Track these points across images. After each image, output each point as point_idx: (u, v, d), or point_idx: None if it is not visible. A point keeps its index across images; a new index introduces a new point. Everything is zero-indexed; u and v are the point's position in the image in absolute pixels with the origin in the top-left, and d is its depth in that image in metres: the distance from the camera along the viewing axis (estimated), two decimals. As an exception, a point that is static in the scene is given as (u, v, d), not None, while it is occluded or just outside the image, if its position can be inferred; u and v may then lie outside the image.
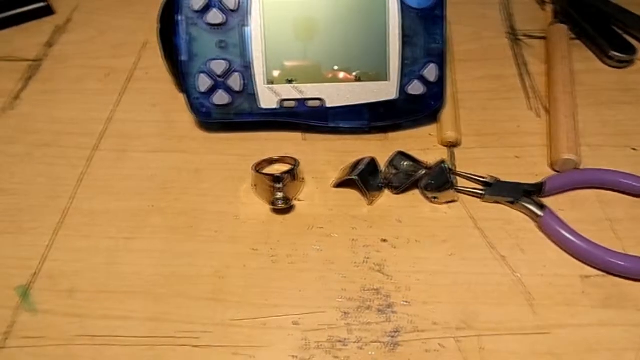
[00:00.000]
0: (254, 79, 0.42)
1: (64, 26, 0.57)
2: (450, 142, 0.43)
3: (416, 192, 0.41)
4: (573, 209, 0.39)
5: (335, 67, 0.42)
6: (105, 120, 0.47)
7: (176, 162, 0.43)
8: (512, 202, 0.39)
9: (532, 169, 0.42)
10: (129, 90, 0.50)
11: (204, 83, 0.42)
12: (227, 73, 0.42)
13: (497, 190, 0.40)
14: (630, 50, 0.50)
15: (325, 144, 0.44)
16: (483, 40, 0.54)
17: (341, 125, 0.44)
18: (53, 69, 0.52)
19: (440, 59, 0.42)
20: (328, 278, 0.36)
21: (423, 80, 0.42)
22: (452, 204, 0.40)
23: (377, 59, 0.42)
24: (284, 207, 0.38)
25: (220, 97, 0.43)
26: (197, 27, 0.41)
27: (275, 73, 0.42)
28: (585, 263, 0.36)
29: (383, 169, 0.41)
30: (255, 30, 0.41)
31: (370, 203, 0.40)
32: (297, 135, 0.45)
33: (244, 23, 0.41)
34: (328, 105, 0.43)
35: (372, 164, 0.40)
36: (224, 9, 0.41)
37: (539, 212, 0.38)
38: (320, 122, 0.44)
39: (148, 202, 0.41)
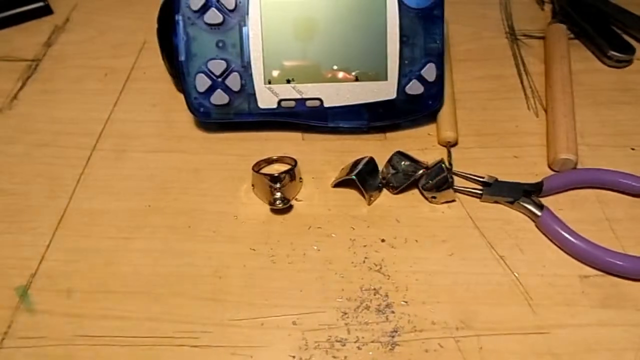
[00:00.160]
0: (253, 78, 0.42)
1: (62, 26, 0.57)
2: (449, 142, 0.43)
3: (415, 192, 0.41)
4: (572, 208, 0.39)
5: (334, 67, 0.42)
6: (105, 120, 0.47)
7: (175, 162, 0.43)
8: (511, 202, 0.39)
9: (531, 169, 0.42)
10: (128, 90, 0.50)
11: (202, 83, 0.42)
12: (226, 73, 0.42)
13: (496, 190, 0.40)
14: (629, 50, 0.50)
15: (324, 143, 0.44)
16: (482, 40, 0.54)
17: (340, 125, 0.44)
18: (52, 68, 0.52)
19: (439, 58, 0.42)
20: (327, 278, 0.36)
21: (422, 80, 0.42)
22: (451, 204, 0.40)
23: (376, 59, 0.42)
24: (282, 207, 0.38)
25: (219, 97, 0.42)
26: (196, 27, 0.41)
27: (274, 73, 0.42)
28: (585, 263, 0.36)
29: (382, 169, 0.41)
30: (253, 30, 0.41)
31: (369, 203, 0.40)
32: (296, 135, 0.45)
33: (242, 23, 0.41)
34: (327, 105, 0.43)
35: (371, 163, 0.40)
36: (222, 9, 0.41)
37: (538, 212, 0.38)
38: (319, 122, 0.44)
39: (147, 202, 0.41)
